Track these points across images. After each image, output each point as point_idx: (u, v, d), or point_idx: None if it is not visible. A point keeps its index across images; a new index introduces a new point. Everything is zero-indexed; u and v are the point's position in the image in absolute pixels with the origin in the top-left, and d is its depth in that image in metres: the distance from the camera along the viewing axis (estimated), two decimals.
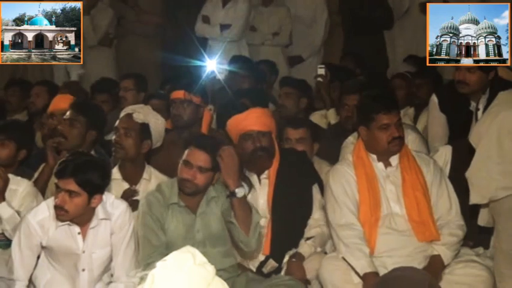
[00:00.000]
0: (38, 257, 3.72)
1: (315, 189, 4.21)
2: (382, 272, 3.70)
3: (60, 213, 3.54)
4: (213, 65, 6.26)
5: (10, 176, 4.05)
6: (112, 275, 3.74)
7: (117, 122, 4.32)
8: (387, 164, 3.95)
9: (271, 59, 6.77)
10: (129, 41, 7.23)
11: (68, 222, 3.60)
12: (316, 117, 5.68)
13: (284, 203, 4.10)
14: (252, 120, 4.15)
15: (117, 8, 7.21)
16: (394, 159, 3.95)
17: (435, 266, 3.82)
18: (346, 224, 3.86)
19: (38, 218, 3.63)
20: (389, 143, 3.90)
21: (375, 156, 3.96)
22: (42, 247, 3.67)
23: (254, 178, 4.17)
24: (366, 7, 7.06)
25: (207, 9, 7.08)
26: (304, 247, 4.07)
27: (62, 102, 4.86)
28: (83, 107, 4.55)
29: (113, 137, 4.28)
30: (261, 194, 4.15)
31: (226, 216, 3.85)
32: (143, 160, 4.31)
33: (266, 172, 4.20)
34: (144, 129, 4.25)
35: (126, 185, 4.23)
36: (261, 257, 4.08)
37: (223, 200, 3.87)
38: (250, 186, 4.13)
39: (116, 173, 4.23)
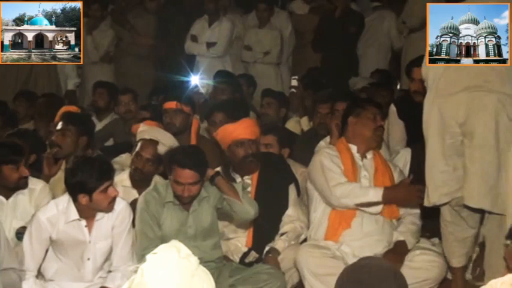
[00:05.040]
0: (47, 251, 3.71)
1: (291, 188, 4.22)
2: (350, 258, 3.77)
3: None
4: (196, 79, 6.21)
5: (29, 177, 4.03)
6: (111, 265, 3.75)
7: (139, 147, 4.26)
8: (363, 157, 4.02)
9: (264, 75, 6.83)
10: (125, 60, 7.17)
11: (77, 218, 3.64)
12: (291, 124, 5.71)
13: (264, 201, 4.06)
14: (243, 129, 4.14)
15: (115, 30, 7.19)
16: (369, 154, 4.04)
17: (400, 250, 3.91)
18: (341, 182, 3.88)
19: (47, 215, 3.65)
20: (375, 131, 3.98)
21: (355, 147, 4.02)
22: (51, 241, 3.68)
23: (238, 179, 4.15)
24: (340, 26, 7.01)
25: (195, 29, 7.07)
26: (279, 243, 4.07)
27: None
28: (71, 118, 4.53)
29: (134, 162, 4.23)
30: None
31: (219, 203, 3.87)
32: None
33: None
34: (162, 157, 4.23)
35: (135, 192, 4.22)
36: (244, 249, 4.09)
37: (214, 197, 3.87)
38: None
39: (125, 180, 4.27)
